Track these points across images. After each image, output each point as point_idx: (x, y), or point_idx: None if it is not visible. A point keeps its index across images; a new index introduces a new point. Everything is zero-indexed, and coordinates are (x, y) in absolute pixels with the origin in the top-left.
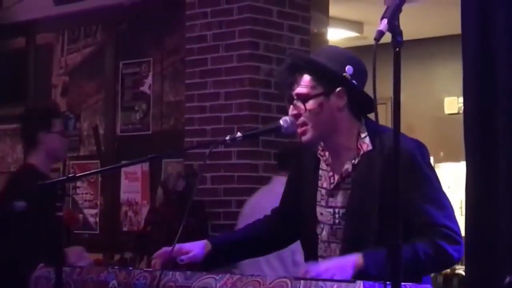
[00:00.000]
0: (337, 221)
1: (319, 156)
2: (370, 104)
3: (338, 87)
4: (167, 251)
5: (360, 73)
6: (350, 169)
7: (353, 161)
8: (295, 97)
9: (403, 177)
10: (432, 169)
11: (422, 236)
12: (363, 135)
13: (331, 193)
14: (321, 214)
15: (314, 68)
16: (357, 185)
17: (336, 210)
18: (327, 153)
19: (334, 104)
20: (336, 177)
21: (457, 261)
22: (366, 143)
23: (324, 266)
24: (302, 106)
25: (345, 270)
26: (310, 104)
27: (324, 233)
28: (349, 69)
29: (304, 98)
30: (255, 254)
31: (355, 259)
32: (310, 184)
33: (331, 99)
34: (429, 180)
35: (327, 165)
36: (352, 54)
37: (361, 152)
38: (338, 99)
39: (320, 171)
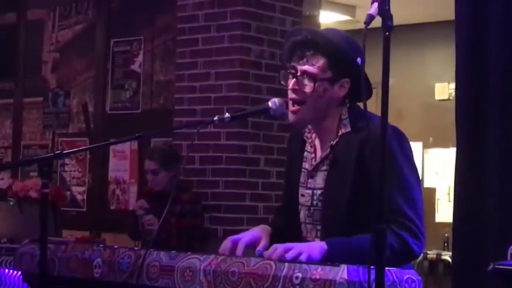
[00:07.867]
0: (314, 202)
1: (305, 138)
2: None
3: (345, 77)
4: (237, 240)
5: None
6: (328, 151)
7: (332, 142)
8: (299, 73)
9: (377, 162)
10: (408, 159)
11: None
12: (343, 117)
13: (311, 174)
14: (302, 195)
15: (333, 53)
16: (334, 166)
17: (315, 191)
18: (313, 135)
19: (336, 93)
20: (317, 159)
21: (418, 256)
22: (346, 125)
23: (292, 245)
24: (307, 84)
25: (312, 250)
26: (316, 86)
27: (302, 214)
28: (359, 60)
29: (311, 77)
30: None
31: (322, 244)
32: (295, 167)
33: (335, 87)
34: (401, 170)
35: (311, 147)
36: (357, 43)
37: (340, 133)
38: (341, 89)
39: (305, 153)
